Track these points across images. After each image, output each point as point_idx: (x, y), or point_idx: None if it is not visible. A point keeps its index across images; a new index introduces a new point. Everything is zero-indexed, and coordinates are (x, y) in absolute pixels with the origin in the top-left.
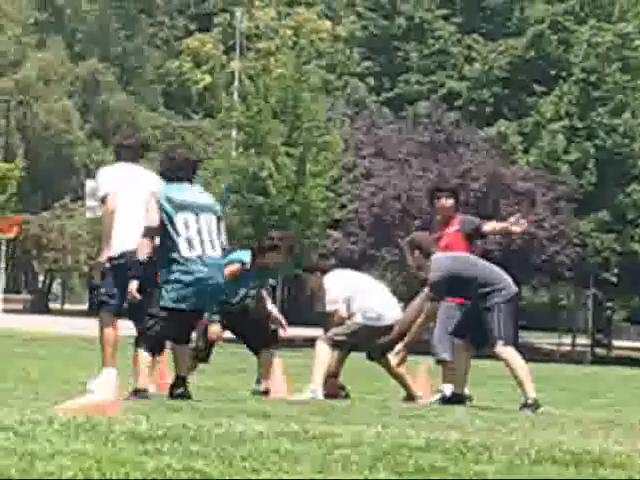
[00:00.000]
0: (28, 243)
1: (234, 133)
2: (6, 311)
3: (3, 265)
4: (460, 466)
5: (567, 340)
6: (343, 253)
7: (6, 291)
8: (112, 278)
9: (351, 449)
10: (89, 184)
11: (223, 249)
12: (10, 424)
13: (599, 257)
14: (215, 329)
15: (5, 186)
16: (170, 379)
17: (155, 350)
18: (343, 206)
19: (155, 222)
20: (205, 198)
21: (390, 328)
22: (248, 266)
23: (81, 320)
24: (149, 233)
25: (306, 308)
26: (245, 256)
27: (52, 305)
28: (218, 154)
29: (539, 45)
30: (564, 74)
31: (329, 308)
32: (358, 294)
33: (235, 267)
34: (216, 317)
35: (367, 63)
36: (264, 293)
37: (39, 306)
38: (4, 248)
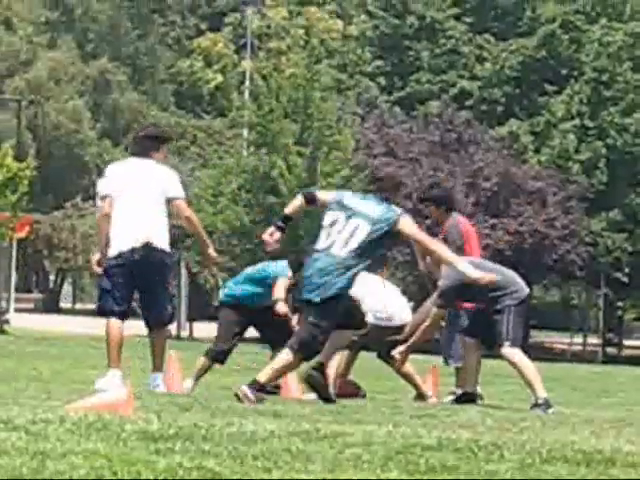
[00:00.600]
0: (39, 243)
1: (245, 132)
2: (17, 310)
3: (14, 265)
4: (471, 465)
5: (578, 340)
6: None
7: (17, 290)
8: (108, 279)
9: (362, 448)
10: (100, 183)
11: None
12: (22, 423)
13: (610, 257)
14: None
15: (16, 186)
16: (181, 379)
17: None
18: None
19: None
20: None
21: (401, 328)
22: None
23: (92, 319)
24: None
25: None
26: (286, 270)
27: (63, 304)
28: (229, 153)
29: (550, 44)
30: (575, 73)
31: None
32: (368, 295)
33: (287, 282)
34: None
35: (378, 62)
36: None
37: (50, 305)
38: (15, 247)
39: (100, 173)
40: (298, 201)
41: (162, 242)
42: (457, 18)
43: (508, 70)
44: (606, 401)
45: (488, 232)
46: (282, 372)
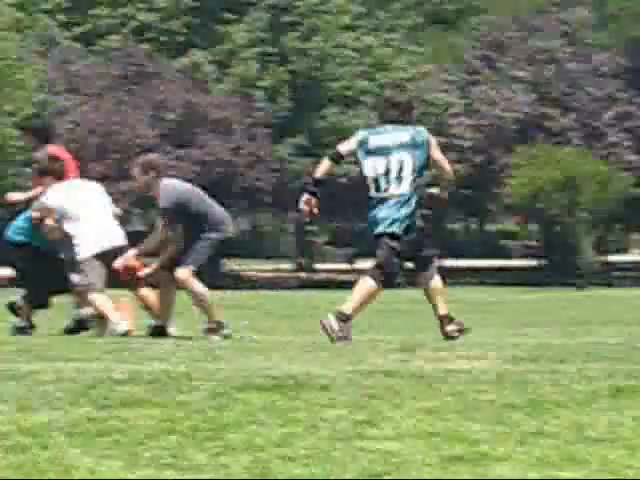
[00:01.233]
0: None
1: None
2: None
3: None
4: (163, 396)
5: (270, 267)
6: None
7: None
8: None
9: (53, 385)
10: None
11: None
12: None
13: (298, 182)
14: None
15: None
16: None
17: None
18: None
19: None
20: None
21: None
22: None
23: None
24: None
25: None
26: None
27: None
28: None
29: None
30: (255, 0)
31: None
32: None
33: None
34: None
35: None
36: None
37: None
38: None
39: None
40: (327, 163)
41: None
42: None
43: (187, 0)
44: (302, 326)
45: (175, 163)
46: (366, 300)
